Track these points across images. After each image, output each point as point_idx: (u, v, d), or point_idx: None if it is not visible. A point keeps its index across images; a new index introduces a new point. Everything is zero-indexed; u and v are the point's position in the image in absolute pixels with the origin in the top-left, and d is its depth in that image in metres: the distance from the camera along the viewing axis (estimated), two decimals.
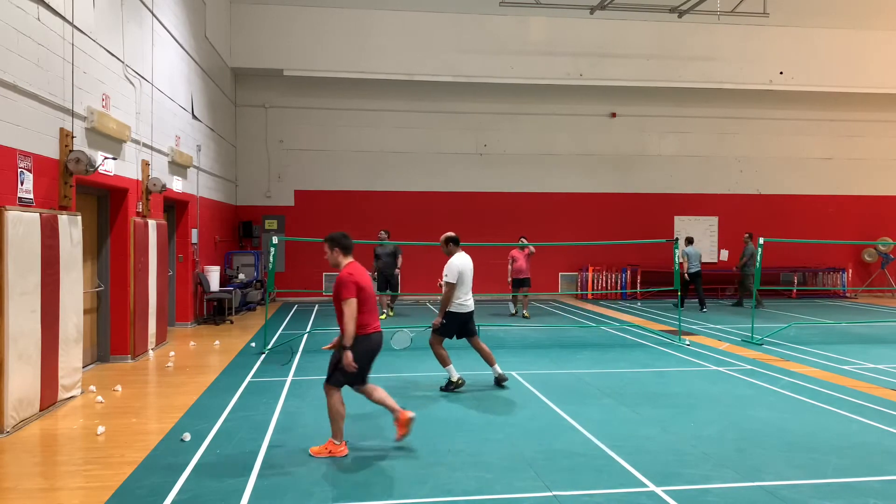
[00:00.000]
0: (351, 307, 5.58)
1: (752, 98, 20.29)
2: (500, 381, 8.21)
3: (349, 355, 5.51)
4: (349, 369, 5.52)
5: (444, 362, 8.02)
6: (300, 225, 18.82)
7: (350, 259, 5.98)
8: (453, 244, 8.21)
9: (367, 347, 5.78)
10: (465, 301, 8.05)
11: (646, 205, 20.24)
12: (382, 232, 15.16)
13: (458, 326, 8.09)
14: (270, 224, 18.98)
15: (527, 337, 12.34)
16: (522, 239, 15.55)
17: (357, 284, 5.68)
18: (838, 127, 20.93)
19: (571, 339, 11.92)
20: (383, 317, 15.32)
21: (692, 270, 16.49)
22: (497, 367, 8.21)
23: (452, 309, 8.01)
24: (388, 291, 15.08)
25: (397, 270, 15.14)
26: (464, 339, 8.24)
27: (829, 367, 9.44)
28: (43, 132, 7.30)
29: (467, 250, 8.47)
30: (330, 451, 5.64)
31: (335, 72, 18.15)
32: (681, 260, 15.70)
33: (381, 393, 5.91)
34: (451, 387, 7.97)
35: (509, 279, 15.36)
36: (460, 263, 8.03)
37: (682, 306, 14.35)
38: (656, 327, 13.39)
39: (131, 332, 9.79)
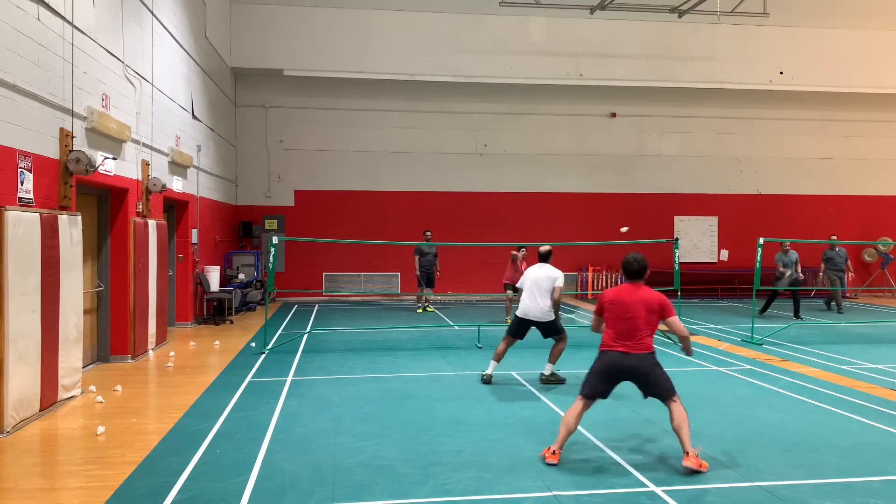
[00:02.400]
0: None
1: (752, 98, 20.28)
2: (545, 379, 8.43)
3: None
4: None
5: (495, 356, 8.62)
6: (300, 225, 18.82)
7: (629, 282, 5.79)
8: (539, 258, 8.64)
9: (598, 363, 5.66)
10: (521, 305, 8.44)
11: (646, 205, 20.23)
12: (428, 232, 16.34)
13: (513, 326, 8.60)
14: (270, 224, 18.98)
15: (527, 337, 12.30)
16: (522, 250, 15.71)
17: (601, 302, 5.76)
18: (838, 127, 20.92)
19: (571, 339, 11.84)
20: (420, 311, 16.01)
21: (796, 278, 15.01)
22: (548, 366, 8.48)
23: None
24: (429, 289, 16.05)
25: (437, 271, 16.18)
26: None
27: (829, 367, 9.44)
28: (43, 132, 7.30)
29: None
30: (544, 454, 5.55)
31: (335, 72, 18.15)
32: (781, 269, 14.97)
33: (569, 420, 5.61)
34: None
35: (506, 281, 15.50)
36: (529, 270, 8.52)
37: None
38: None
39: (131, 332, 9.78)
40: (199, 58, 14.31)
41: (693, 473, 5.22)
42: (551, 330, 8.41)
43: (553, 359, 8.41)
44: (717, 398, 7.65)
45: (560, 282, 8.32)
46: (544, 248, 8.64)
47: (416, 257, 15.82)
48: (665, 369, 5.55)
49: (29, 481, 5.17)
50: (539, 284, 8.26)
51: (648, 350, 5.48)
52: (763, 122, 20.63)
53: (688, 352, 5.68)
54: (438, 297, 18.25)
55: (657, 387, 5.52)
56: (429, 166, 19.49)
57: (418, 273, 15.83)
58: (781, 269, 14.99)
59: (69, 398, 7.50)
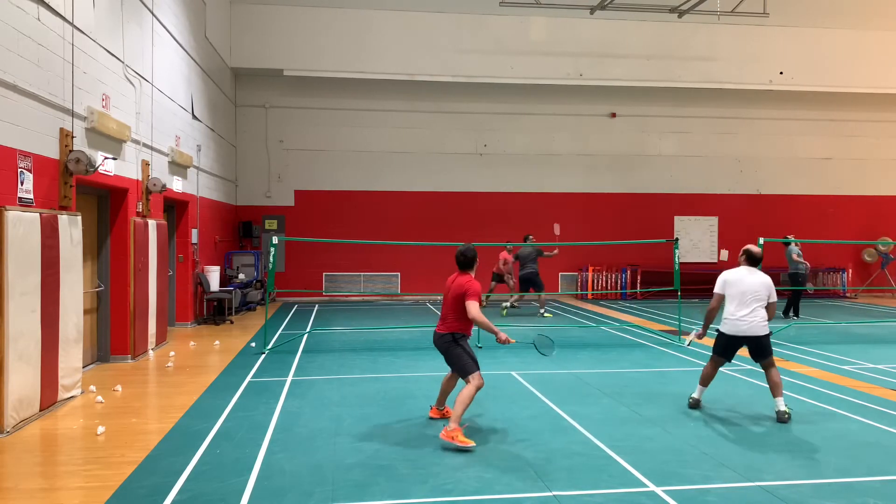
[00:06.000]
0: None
1: (752, 98, 20.29)
2: (780, 419, 6.78)
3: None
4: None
5: (702, 380, 7.19)
6: (300, 225, 18.83)
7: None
8: (743, 257, 7.15)
9: None
10: (733, 319, 6.92)
11: (646, 205, 20.24)
12: (529, 235, 15.64)
13: (721, 347, 7.11)
14: (270, 224, 18.98)
15: (527, 337, 12.31)
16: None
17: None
18: (838, 127, 20.93)
19: (571, 339, 11.91)
20: (549, 315, 15.41)
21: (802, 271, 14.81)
22: (780, 401, 6.84)
23: (722, 327, 7.04)
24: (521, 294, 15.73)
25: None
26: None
27: (829, 367, 9.44)
28: (43, 132, 7.30)
29: None
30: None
31: (335, 72, 18.16)
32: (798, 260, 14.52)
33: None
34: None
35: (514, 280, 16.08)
36: (727, 274, 7.06)
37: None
38: (656, 327, 13.40)
39: (131, 332, 9.78)
40: (199, 58, 14.31)
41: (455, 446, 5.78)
42: (765, 348, 6.95)
43: (778, 391, 6.87)
44: (717, 398, 7.64)
45: (775, 294, 6.93)
46: (757, 249, 7.09)
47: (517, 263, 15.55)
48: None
49: (29, 481, 5.17)
50: (757, 293, 6.84)
51: (448, 330, 6.24)
52: (763, 122, 20.63)
53: (493, 332, 6.09)
54: (438, 297, 18.27)
55: (454, 364, 6.30)
56: (429, 166, 19.49)
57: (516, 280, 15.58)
58: (796, 258, 14.73)
59: (69, 398, 7.50)
